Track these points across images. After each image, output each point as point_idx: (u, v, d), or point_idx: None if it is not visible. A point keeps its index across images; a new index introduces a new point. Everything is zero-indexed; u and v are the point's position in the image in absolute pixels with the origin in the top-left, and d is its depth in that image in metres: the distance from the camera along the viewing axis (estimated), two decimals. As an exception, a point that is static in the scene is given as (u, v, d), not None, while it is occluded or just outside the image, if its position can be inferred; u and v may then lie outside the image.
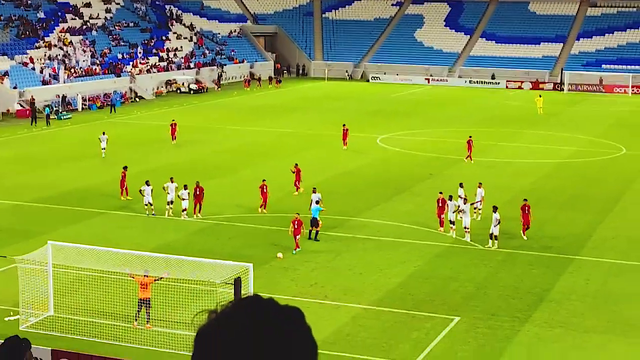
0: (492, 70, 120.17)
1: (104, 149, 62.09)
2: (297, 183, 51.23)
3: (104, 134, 63.35)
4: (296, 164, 51.95)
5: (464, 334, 31.54)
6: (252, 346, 3.12)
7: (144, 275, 31.23)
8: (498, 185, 54.42)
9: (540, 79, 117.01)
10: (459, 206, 43.33)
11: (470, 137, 62.53)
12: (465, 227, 43.03)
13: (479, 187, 46.73)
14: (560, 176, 58.89)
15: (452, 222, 43.69)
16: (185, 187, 46.26)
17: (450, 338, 31.18)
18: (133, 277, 31.59)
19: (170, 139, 68.03)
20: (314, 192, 45.18)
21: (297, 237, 41.01)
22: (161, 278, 31.61)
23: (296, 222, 41.06)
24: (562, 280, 37.64)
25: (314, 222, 42.21)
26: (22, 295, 32.15)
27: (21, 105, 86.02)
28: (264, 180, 47.76)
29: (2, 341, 8.80)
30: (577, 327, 32.42)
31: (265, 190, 47.28)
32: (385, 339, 30.99)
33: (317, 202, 43.00)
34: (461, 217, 43.28)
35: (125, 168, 50.73)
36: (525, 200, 44.32)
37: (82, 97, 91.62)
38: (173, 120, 69.87)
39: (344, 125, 67.45)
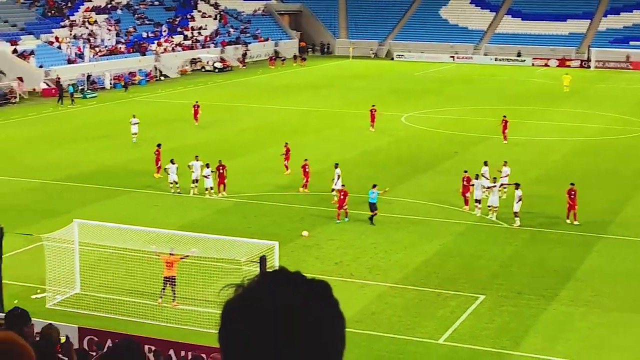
0: (518, 48, 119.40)
1: (135, 134, 59.82)
2: (286, 163, 50.75)
3: (134, 117, 60.97)
4: (286, 143, 51.51)
5: (489, 312, 31.45)
6: (279, 320, 3.07)
7: (170, 254, 31.29)
8: (524, 163, 54.12)
9: (566, 56, 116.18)
10: (487, 186, 43.13)
11: (504, 116, 61.39)
12: (490, 206, 42.86)
13: (504, 165, 46.38)
14: (586, 154, 58.55)
15: (477, 201, 43.52)
16: (208, 166, 46.27)
17: (475, 316, 31.11)
18: (159, 256, 31.66)
19: (192, 120, 67.49)
20: (336, 167, 45.62)
21: (343, 207, 41.98)
22: (187, 256, 31.68)
23: (342, 193, 41.98)
24: (589, 259, 37.45)
25: (372, 207, 41.65)
26: (49, 274, 32.31)
27: (47, 84, 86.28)
28: (305, 160, 47.64)
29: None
30: (603, 306, 32.26)
31: (307, 170, 47.21)
32: (410, 317, 30.96)
33: (373, 187, 42.15)
34: (486, 196, 43.11)
35: (159, 145, 50.74)
36: (572, 184, 42.54)
37: (108, 76, 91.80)
38: (196, 101, 69.04)
39: (372, 106, 66.09)
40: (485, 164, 46.55)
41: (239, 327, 3.10)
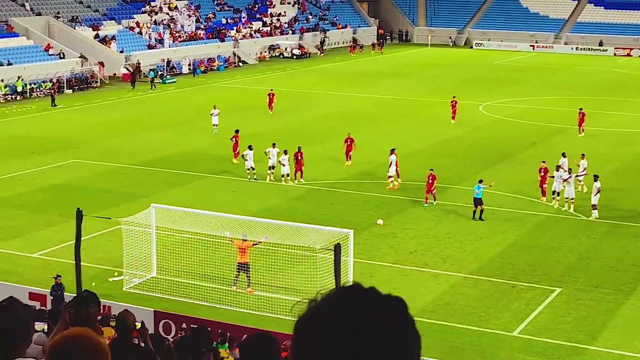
0: (600, 37, 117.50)
1: (216, 125, 58.28)
2: (348, 154, 50.24)
3: (215, 107, 59.39)
4: (349, 134, 50.94)
5: (566, 306, 31.08)
6: (353, 337, 3.01)
7: (242, 240, 31.46)
8: (603, 154, 53.38)
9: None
10: (565, 178, 42.55)
11: (581, 109, 60.11)
12: (567, 198, 42.33)
13: (582, 158, 45.58)
14: (668, 146, 57.45)
15: (556, 193, 42.99)
16: (286, 153, 46.41)
17: (551, 309, 30.77)
18: (232, 242, 31.87)
19: (267, 108, 66.97)
20: (392, 153, 45.78)
21: (431, 191, 42.66)
22: (259, 242, 31.83)
23: (430, 177, 42.55)
24: (668, 253, 36.78)
25: (478, 202, 40.97)
26: (126, 257, 32.75)
27: (127, 69, 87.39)
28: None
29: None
30: (682, 302, 31.66)
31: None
32: (484, 309, 30.74)
33: (480, 182, 41.58)
34: (564, 187, 42.57)
35: (237, 132, 50.97)
36: None
37: (187, 62, 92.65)
38: (271, 90, 68.70)
39: (453, 97, 64.74)
40: (564, 155, 45.86)
41: (312, 343, 3.07)
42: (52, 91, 74.00)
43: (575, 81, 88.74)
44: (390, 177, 45.75)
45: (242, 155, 47.73)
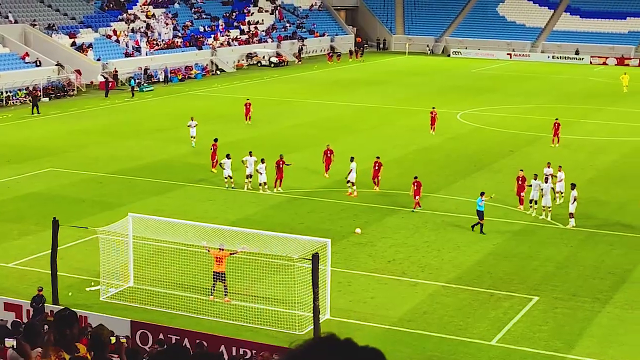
0: (576, 46, 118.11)
1: (194, 137, 56.71)
2: (328, 166, 49.66)
3: (192, 119, 57.75)
4: (328, 145, 50.61)
5: (543, 314, 31.15)
6: None
7: (219, 249, 31.36)
8: (579, 163, 53.64)
9: (625, 55, 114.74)
10: (542, 187, 42.62)
11: (557, 119, 59.73)
12: (544, 206, 42.45)
13: (560, 170, 45.20)
14: (644, 155, 57.74)
15: (533, 201, 43.09)
16: (263, 161, 46.33)
17: (529, 318, 30.82)
18: (209, 251, 31.75)
19: (244, 118, 66.09)
20: (352, 160, 46.09)
21: (417, 197, 43.07)
22: (236, 252, 31.74)
23: (415, 183, 43.05)
24: (645, 261, 36.93)
25: (480, 215, 40.40)
26: (103, 266, 32.57)
27: (104, 77, 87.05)
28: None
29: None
30: (659, 310, 31.80)
31: (377, 168, 47.10)
32: (462, 318, 30.75)
33: (481, 194, 40.90)
34: (543, 196, 42.63)
35: (215, 140, 50.87)
36: None
37: (168, 69, 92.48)
38: (247, 99, 68.01)
39: (432, 108, 63.73)
40: (549, 165, 45.57)
41: None
42: (33, 98, 73.62)
43: (551, 89, 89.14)
44: (350, 183, 45.93)
45: (220, 164, 47.63)
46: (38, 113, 70.71)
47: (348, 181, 46.21)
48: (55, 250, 31.02)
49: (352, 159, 46.33)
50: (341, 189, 47.11)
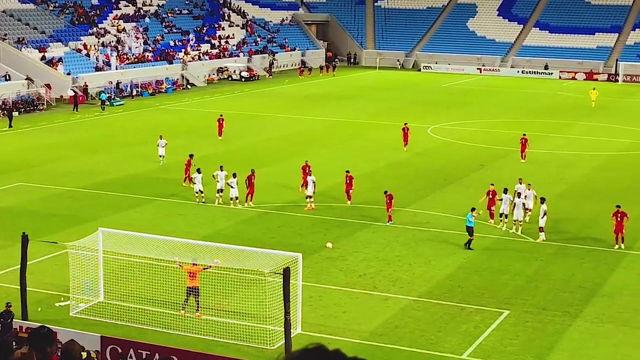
0: (545, 61, 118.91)
1: (162, 156, 55.77)
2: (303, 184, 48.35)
3: (161, 138, 56.32)
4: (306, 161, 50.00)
5: (514, 328, 31.23)
6: None
7: (192, 264, 31.26)
8: (548, 177, 53.93)
9: (594, 70, 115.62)
10: (513, 201, 42.71)
11: (524, 134, 59.86)
12: (515, 220, 42.62)
13: (529, 188, 44.37)
14: (613, 168, 58.16)
15: (503, 215, 43.28)
16: (235, 175, 46.29)
17: (499, 331, 30.90)
18: (181, 266, 31.64)
19: (217, 133, 65.62)
20: (310, 174, 46.88)
21: (389, 210, 43.42)
22: (209, 267, 31.65)
23: (387, 196, 43.42)
24: (615, 275, 37.15)
25: (469, 231, 40.19)
26: (73, 282, 32.37)
27: (74, 92, 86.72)
28: (347, 172, 47.70)
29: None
30: (629, 323, 31.98)
31: (348, 182, 47.15)
32: (433, 332, 30.79)
33: (472, 210, 40.52)
34: (514, 210, 42.76)
35: (191, 156, 50.67)
36: (618, 206, 41.07)
37: (135, 84, 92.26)
38: (220, 115, 67.26)
39: (405, 124, 63.44)
40: (520, 181, 45.44)
41: None
42: (8, 112, 73.50)
43: (521, 104, 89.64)
44: (308, 197, 46.03)
45: (191, 179, 47.51)
46: (10, 127, 70.42)
47: (307, 196, 46.19)
48: (25, 265, 30.81)
49: (310, 173, 46.52)
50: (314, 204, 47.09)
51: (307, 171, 48.32)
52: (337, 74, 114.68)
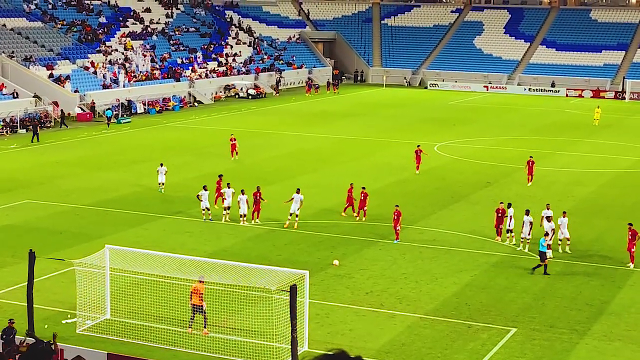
0: (552, 78, 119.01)
1: (162, 183, 53.65)
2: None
3: (162, 165, 54.49)
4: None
5: (521, 346, 31.12)
6: None
7: (199, 281, 31.26)
8: (556, 195, 53.83)
9: (601, 88, 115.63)
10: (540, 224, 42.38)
11: (531, 157, 58.40)
12: (522, 238, 42.52)
13: (527, 214, 42.91)
14: (620, 186, 58.08)
15: (510, 231, 43.21)
16: (243, 193, 46.35)
17: (507, 349, 30.78)
18: (202, 282, 31.44)
19: (229, 154, 64.60)
20: (298, 192, 46.43)
21: (397, 228, 43.27)
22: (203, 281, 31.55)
23: (395, 213, 43.24)
24: (622, 293, 37.04)
25: (542, 256, 39.23)
26: (79, 299, 32.35)
27: (81, 109, 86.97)
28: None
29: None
30: (637, 341, 31.84)
31: (361, 197, 47.29)
32: (440, 349, 30.70)
33: (545, 235, 40.02)
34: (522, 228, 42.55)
35: (220, 176, 50.49)
36: (630, 224, 41.08)
37: (142, 102, 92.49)
38: (232, 135, 66.57)
39: (417, 146, 62.10)
40: (527, 213, 44.93)
41: None
42: (34, 127, 74.21)
43: (528, 121, 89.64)
44: (293, 214, 46.12)
45: (197, 196, 47.54)
46: (37, 141, 71.92)
47: (291, 213, 46.18)
48: (32, 282, 30.81)
49: (297, 191, 46.47)
50: (319, 221, 47.10)
51: (351, 193, 48.47)
52: (343, 92, 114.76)
